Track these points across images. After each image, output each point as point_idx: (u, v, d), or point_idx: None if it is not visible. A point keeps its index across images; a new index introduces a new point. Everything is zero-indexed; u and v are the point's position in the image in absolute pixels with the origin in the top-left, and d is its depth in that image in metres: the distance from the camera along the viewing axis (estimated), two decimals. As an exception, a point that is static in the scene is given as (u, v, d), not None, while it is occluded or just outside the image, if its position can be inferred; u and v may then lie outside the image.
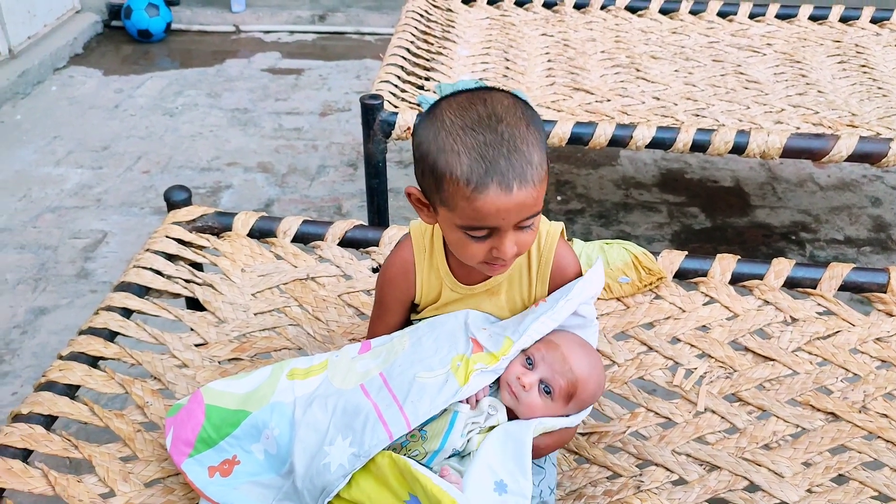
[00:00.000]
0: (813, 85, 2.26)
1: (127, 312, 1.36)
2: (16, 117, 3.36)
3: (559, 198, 2.92)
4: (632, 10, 2.74)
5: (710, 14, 2.71)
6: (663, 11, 2.73)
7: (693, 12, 2.73)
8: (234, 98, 3.57)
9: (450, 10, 2.70)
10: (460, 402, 1.02)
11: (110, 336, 1.31)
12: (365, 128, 1.87)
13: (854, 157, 1.82)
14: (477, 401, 1.04)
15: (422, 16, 2.57)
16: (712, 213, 2.86)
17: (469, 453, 1.02)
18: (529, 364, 1.06)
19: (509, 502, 0.96)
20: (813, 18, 2.70)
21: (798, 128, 2.00)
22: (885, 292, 1.48)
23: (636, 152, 3.22)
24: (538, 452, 1.05)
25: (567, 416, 1.07)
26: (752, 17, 2.71)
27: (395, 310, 1.18)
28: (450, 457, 1.01)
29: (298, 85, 3.73)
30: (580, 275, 1.12)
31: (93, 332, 1.30)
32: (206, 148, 3.16)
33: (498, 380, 1.07)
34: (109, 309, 1.35)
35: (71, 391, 1.20)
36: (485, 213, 0.93)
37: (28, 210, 2.74)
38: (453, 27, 2.58)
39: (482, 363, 1.02)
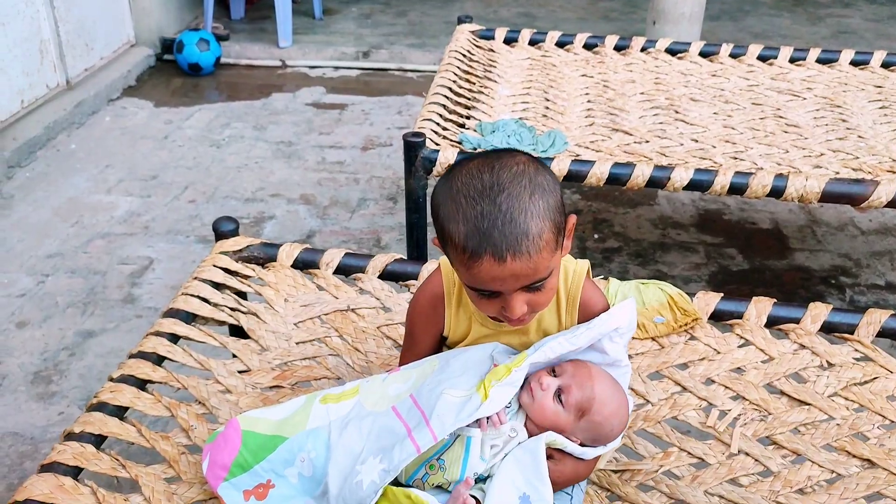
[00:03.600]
0: (853, 130, 2.26)
1: (174, 338, 1.41)
2: (70, 146, 3.49)
3: (596, 236, 2.94)
4: (672, 52, 2.77)
5: (750, 57, 2.74)
6: (703, 54, 2.76)
7: (733, 55, 2.75)
8: (279, 131, 3.67)
9: (492, 51, 2.76)
10: (476, 427, 1.05)
11: (158, 360, 1.36)
12: (407, 164, 1.93)
13: (894, 204, 1.82)
14: (500, 421, 1.06)
15: (464, 55, 2.63)
16: (750, 254, 2.85)
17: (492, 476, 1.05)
18: (554, 374, 1.09)
19: None
20: (854, 63, 2.70)
21: (837, 172, 2.00)
22: (923, 339, 1.47)
23: (674, 193, 3.23)
24: (557, 486, 1.06)
25: (579, 440, 1.09)
26: (792, 61, 2.73)
27: (425, 342, 1.21)
28: (476, 482, 1.04)
29: (342, 119, 3.82)
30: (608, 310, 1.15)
31: (142, 356, 1.35)
32: (251, 179, 3.25)
33: (520, 403, 1.10)
34: (158, 334, 1.40)
35: (120, 412, 1.25)
36: (481, 280, 0.98)
37: (80, 236, 2.84)
38: (495, 67, 2.63)
39: (496, 379, 1.05)
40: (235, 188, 3.17)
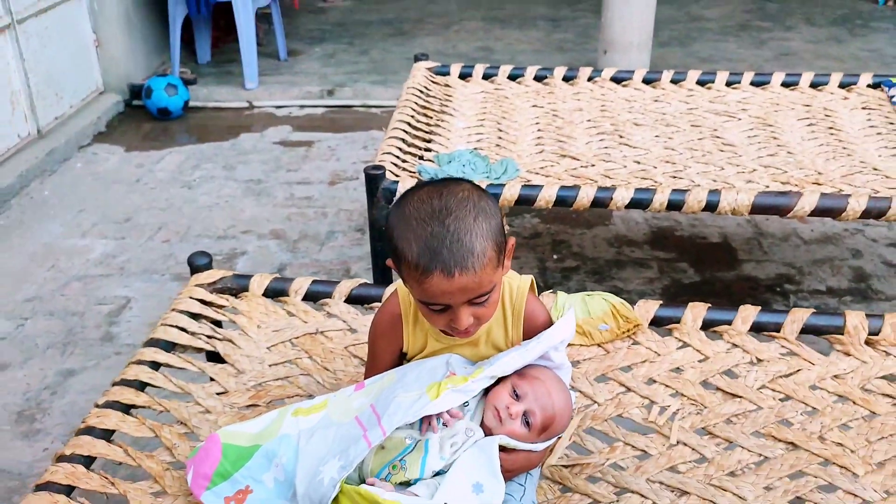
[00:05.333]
0: (783, 146, 2.44)
1: (156, 365, 1.52)
2: (44, 193, 3.58)
3: (555, 256, 3.08)
4: (616, 80, 2.95)
5: (689, 83, 2.92)
6: (646, 81, 2.94)
7: (674, 81, 2.93)
8: (248, 170, 3.79)
9: (448, 86, 2.92)
10: (430, 429, 1.17)
11: (141, 386, 1.46)
12: (369, 195, 2.06)
13: (817, 213, 1.98)
14: (451, 417, 1.18)
15: (421, 91, 2.78)
16: (701, 267, 3.01)
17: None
18: (516, 396, 1.20)
19: (485, 500, 1.10)
20: (785, 85, 2.89)
21: (767, 186, 2.16)
22: (842, 334, 1.62)
23: (628, 213, 3.39)
24: (510, 474, 1.18)
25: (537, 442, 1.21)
26: (728, 84, 2.91)
27: (386, 358, 1.33)
28: (435, 475, 1.16)
29: (309, 156, 3.96)
30: (550, 323, 1.28)
31: (126, 383, 1.45)
32: (223, 217, 3.36)
33: (477, 405, 1.21)
34: (140, 362, 1.51)
35: (107, 435, 1.35)
36: (432, 294, 1.10)
37: (56, 279, 2.93)
38: (451, 101, 2.79)
39: (452, 384, 1.17)
40: (208, 227, 3.28)
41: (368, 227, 2.14)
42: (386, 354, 1.33)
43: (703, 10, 6.54)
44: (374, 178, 2.04)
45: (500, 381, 1.23)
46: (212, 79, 4.77)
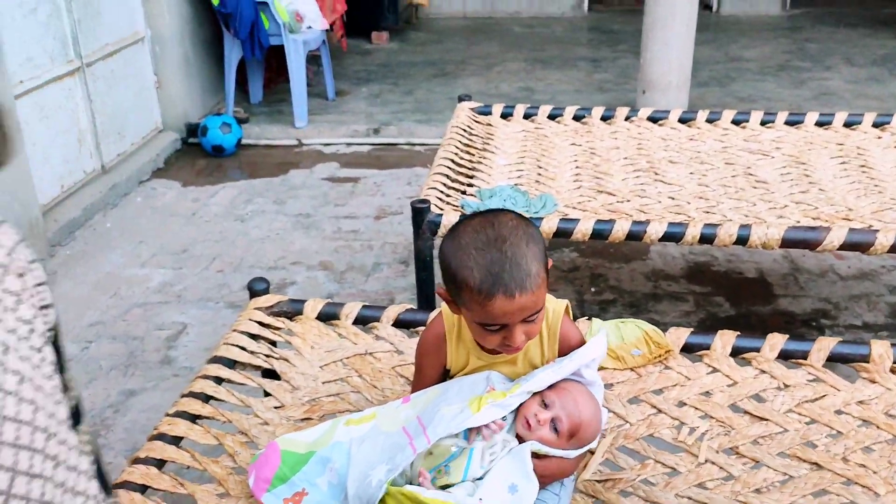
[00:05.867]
0: (815, 183, 2.51)
1: (219, 380, 1.65)
2: (106, 225, 3.79)
3: (593, 289, 3.17)
4: (653, 120, 3.05)
5: (724, 122, 3.01)
6: (682, 121, 3.04)
7: (709, 121, 3.03)
8: (297, 204, 3.96)
9: (489, 125, 3.05)
10: (476, 439, 1.27)
11: (206, 399, 1.59)
12: (415, 228, 2.19)
13: (846, 247, 2.05)
14: (493, 432, 1.28)
15: (465, 130, 2.92)
16: (737, 301, 3.07)
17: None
18: (545, 406, 1.30)
19: (519, 499, 1.20)
20: (819, 124, 2.97)
21: (798, 221, 2.24)
22: (867, 362, 1.69)
23: (665, 248, 3.47)
24: (545, 480, 1.28)
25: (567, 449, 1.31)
26: (763, 123, 3.00)
27: (431, 375, 1.44)
28: (474, 481, 1.26)
29: (355, 192, 4.12)
30: (583, 343, 1.38)
31: (193, 395, 1.59)
32: (273, 249, 3.52)
33: (514, 419, 1.31)
34: (205, 377, 1.64)
35: (176, 441, 1.48)
36: (494, 316, 1.20)
37: (118, 306, 3.10)
38: (492, 139, 2.92)
39: (492, 399, 1.27)
40: (259, 258, 3.44)
41: (414, 257, 2.26)
42: (431, 371, 1.44)
43: (743, 51, 6.64)
44: (419, 212, 2.17)
45: (533, 395, 1.33)
46: (263, 117, 5.00)
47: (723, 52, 6.61)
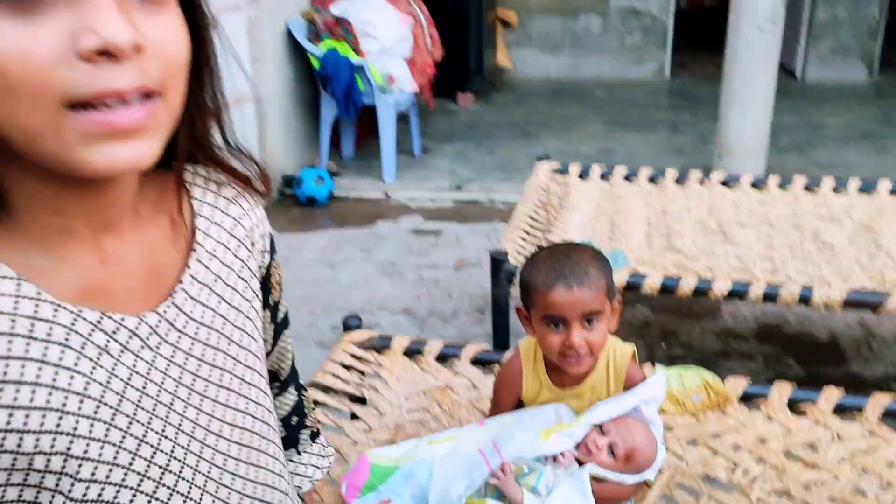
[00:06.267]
0: (883, 249, 2.59)
1: (315, 404, 1.86)
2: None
3: (663, 345, 3.28)
4: (725, 183, 3.18)
5: (796, 187, 3.12)
6: (754, 185, 3.16)
7: (781, 186, 3.14)
8: (383, 253, 4.22)
9: (566, 184, 3.24)
10: (545, 463, 1.43)
11: (304, 418, 1.80)
12: (493, 276, 2.38)
13: (908, 310, 2.14)
14: (564, 461, 1.43)
15: (543, 189, 3.12)
16: (806, 363, 3.12)
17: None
18: (602, 433, 1.46)
19: None
20: (892, 192, 3.04)
21: (863, 286, 2.33)
22: (922, 419, 1.77)
23: (737, 308, 3.55)
24: (605, 500, 1.42)
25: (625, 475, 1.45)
26: (835, 190, 3.09)
27: (507, 404, 1.61)
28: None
29: (437, 243, 4.35)
30: None
31: (293, 414, 1.80)
32: (360, 294, 3.76)
33: (577, 447, 1.47)
34: (304, 399, 1.85)
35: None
36: (555, 305, 1.39)
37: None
38: (569, 197, 3.10)
39: (559, 429, 1.43)
40: (347, 302, 3.68)
41: (491, 302, 2.44)
42: (507, 401, 1.61)
43: (826, 118, 6.66)
44: (498, 262, 2.37)
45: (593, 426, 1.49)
46: (354, 172, 5.32)
47: (805, 119, 6.65)
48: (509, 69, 8.23)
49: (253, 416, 0.78)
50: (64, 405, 0.61)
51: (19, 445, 0.59)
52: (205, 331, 0.73)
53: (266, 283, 0.87)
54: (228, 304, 0.76)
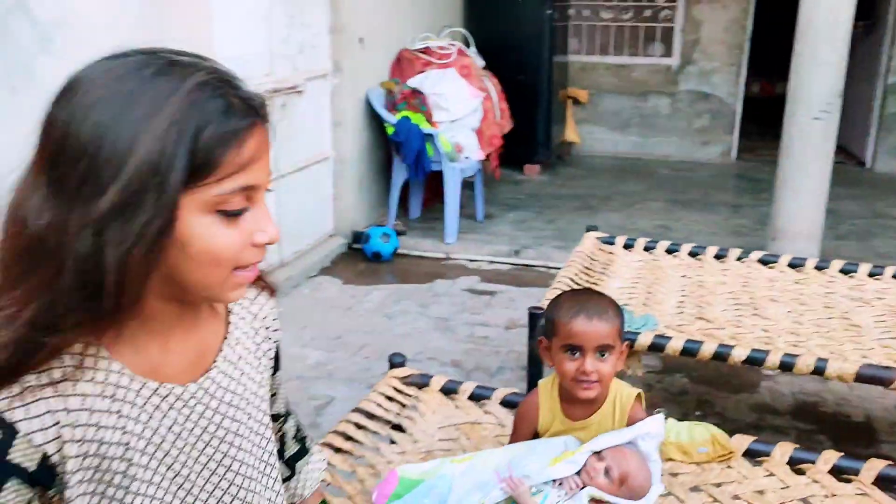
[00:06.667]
0: (907, 332, 2.71)
1: (359, 426, 2.10)
2: (279, 310, 4.43)
3: (697, 413, 3.40)
4: (763, 262, 3.34)
5: (833, 270, 3.25)
6: (791, 265, 3.31)
7: (818, 268, 3.28)
8: (438, 309, 4.47)
9: (611, 254, 3.46)
10: (552, 486, 1.62)
11: (347, 437, 2.04)
12: (530, 330, 2.60)
13: (917, 387, 2.26)
14: (570, 487, 1.63)
15: (587, 256, 3.34)
16: (839, 442, 3.20)
17: None
18: (600, 459, 1.65)
19: None
20: (929, 280, 3.15)
21: (882, 364, 2.46)
22: (915, 485, 1.90)
23: (775, 384, 3.66)
24: None
25: (618, 496, 1.63)
26: (871, 275, 3.21)
27: (524, 434, 1.82)
28: None
29: (491, 304, 4.58)
30: None
31: (337, 433, 2.04)
32: (413, 344, 4.01)
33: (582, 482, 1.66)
34: (348, 422, 2.10)
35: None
36: (574, 334, 1.63)
37: (282, 376, 3.66)
38: (611, 265, 3.32)
39: (565, 458, 1.64)
40: (400, 350, 3.90)
41: (528, 355, 2.66)
42: (524, 430, 1.82)
43: (891, 209, 6.68)
44: (535, 317, 2.59)
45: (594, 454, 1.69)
46: (418, 232, 5.63)
47: (869, 209, 6.69)
48: (577, 144, 8.53)
49: (263, 448, 1.07)
50: (128, 442, 0.90)
51: (100, 464, 0.89)
52: (229, 395, 1.02)
53: (277, 353, 1.20)
54: (248, 377, 1.06)
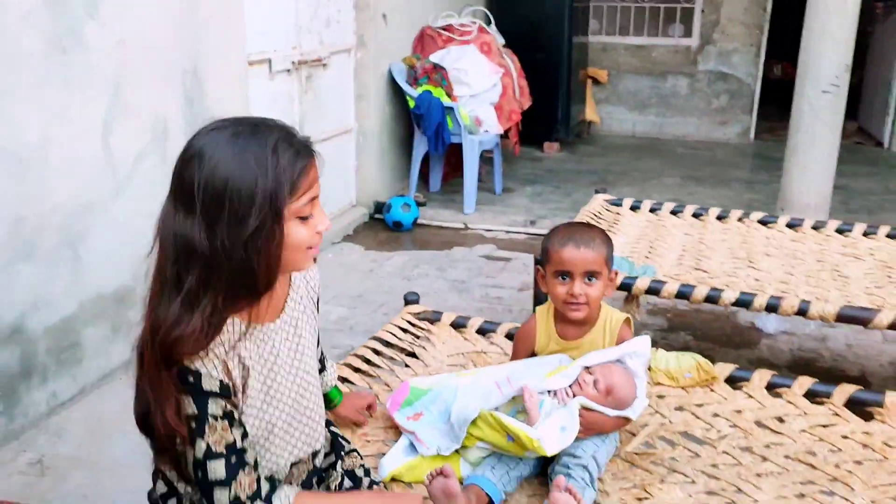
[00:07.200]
0: (893, 282, 2.87)
1: (377, 352, 2.32)
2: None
3: (698, 366, 3.58)
4: (763, 223, 3.51)
5: (829, 230, 3.41)
6: (789, 226, 3.47)
7: (815, 228, 3.44)
8: (455, 273, 4.68)
9: (618, 214, 3.64)
10: (548, 396, 1.83)
11: (366, 360, 2.26)
12: (536, 274, 2.80)
13: (893, 326, 2.43)
14: (563, 396, 1.83)
15: (595, 214, 3.53)
16: (832, 392, 3.36)
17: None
18: (590, 373, 1.85)
19: (566, 437, 1.73)
20: (921, 239, 3.30)
21: (863, 307, 2.62)
22: (881, 407, 2.07)
23: (775, 341, 3.82)
24: (589, 428, 1.78)
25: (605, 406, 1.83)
26: (865, 234, 3.37)
27: (522, 355, 2.02)
28: None
29: (506, 269, 4.78)
30: None
31: (356, 356, 2.26)
32: (430, 303, 4.15)
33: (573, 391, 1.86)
34: (366, 347, 2.32)
35: (340, 381, 2.15)
36: (564, 261, 1.83)
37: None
38: (617, 224, 3.50)
39: (559, 371, 1.84)
40: (418, 308, 4.15)
41: (533, 295, 2.86)
42: (522, 351, 2.03)
43: (905, 186, 6.78)
44: (540, 261, 2.79)
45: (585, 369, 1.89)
46: (438, 203, 5.84)
47: (883, 185, 6.78)
48: (597, 123, 8.68)
49: (314, 361, 1.58)
50: (251, 366, 1.38)
51: (244, 381, 1.38)
52: (297, 327, 1.50)
53: (317, 301, 1.67)
54: (304, 315, 1.54)
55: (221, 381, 1.32)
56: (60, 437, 2.87)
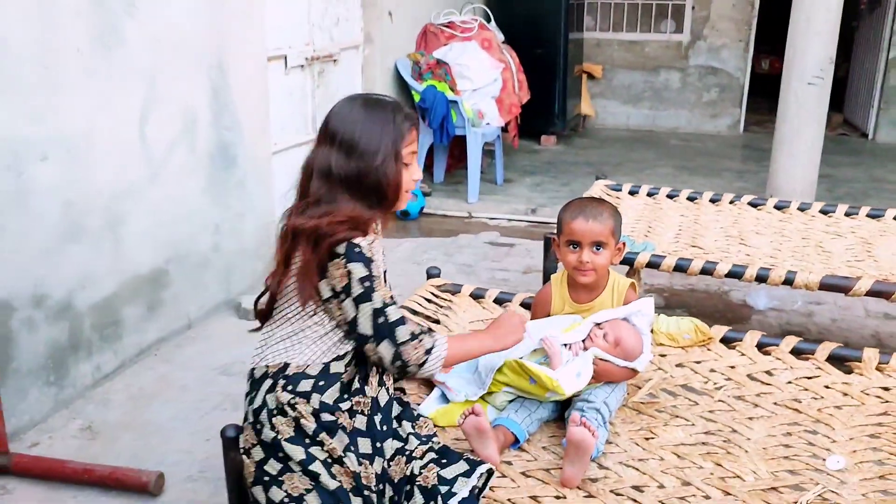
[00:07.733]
0: (873, 256, 3.13)
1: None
2: (316, 258, 4.91)
3: (694, 340, 3.83)
4: (753, 205, 3.76)
5: (813, 210, 3.67)
6: (777, 207, 3.73)
7: (801, 209, 3.69)
8: (462, 258, 4.92)
9: (617, 198, 3.89)
10: (563, 349, 2.07)
11: (395, 326, 2.50)
12: (545, 250, 3.04)
13: (871, 293, 2.68)
14: (578, 348, 2.07)
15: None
16: (818, 362, 3.62)
17: None
18: (600, 328, 2.10)
19: (581, 381, 1.98)
20: (896, 218, 3.56)
21: (844, 276, 2.88)
22: (860, 361, 2.33)
23: (765, 317, 4.08)
24: (601, 376, 2.03)
25: (616, 357, 2.07)
26: (847, 214, 3.62)
27: (539, 317, 2.27)
28: None
29: (510, 254, 5.03)
30: None
31: (387, 322, 2.50)
32: (440, 285, 4.46)
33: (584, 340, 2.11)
34: (395, 315, 2.55)
35: (376, 343, 2.39)
36: (574, 231, 2.06)
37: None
38: (617, 208, 3.74)
39: (574, 328, 2.08)
40: (428, 289, 4.39)
41: (542, 270, 3.10)
42: (539, 314, 2.27)
43: (888, 174, 7.05)
44: (549, 241, 3.03)
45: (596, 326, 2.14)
46: (443, 193, 6.08)
47: (867, 174, 7.05)
48: (592, 117, 8.93)
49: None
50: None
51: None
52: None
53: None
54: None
55: (374, 256, 1.75)
56: (106, 406, 3.10)
